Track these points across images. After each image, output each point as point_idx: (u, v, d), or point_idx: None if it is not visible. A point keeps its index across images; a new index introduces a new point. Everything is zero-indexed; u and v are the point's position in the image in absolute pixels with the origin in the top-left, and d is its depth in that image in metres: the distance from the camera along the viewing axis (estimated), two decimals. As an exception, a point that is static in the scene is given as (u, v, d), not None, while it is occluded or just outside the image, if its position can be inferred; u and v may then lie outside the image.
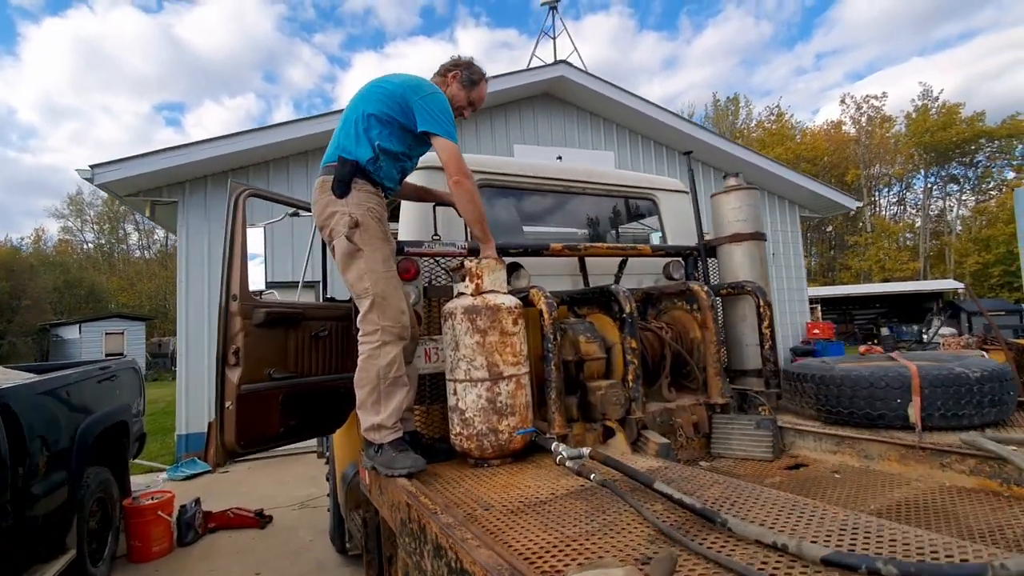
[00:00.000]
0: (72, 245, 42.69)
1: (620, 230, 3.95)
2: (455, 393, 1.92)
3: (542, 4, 9.25)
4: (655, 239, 3.59)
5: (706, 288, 2.51)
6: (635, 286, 2.90)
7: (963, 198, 38.12)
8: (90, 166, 5.79)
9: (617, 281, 2.98)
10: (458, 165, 2.00)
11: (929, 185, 38.55)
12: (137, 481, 5.41)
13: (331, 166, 2.06)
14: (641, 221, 3.88)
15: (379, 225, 2.01)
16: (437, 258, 2.41)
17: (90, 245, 43.11)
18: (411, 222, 2.56)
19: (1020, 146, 35.16)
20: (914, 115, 37.42)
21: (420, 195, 2.50)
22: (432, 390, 2.38)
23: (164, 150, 5.96)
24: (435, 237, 2.43)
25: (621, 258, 2.94)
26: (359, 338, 2.00)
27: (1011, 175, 35.82)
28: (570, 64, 8.18)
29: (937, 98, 37.01)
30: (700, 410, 2.36)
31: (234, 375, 2.65)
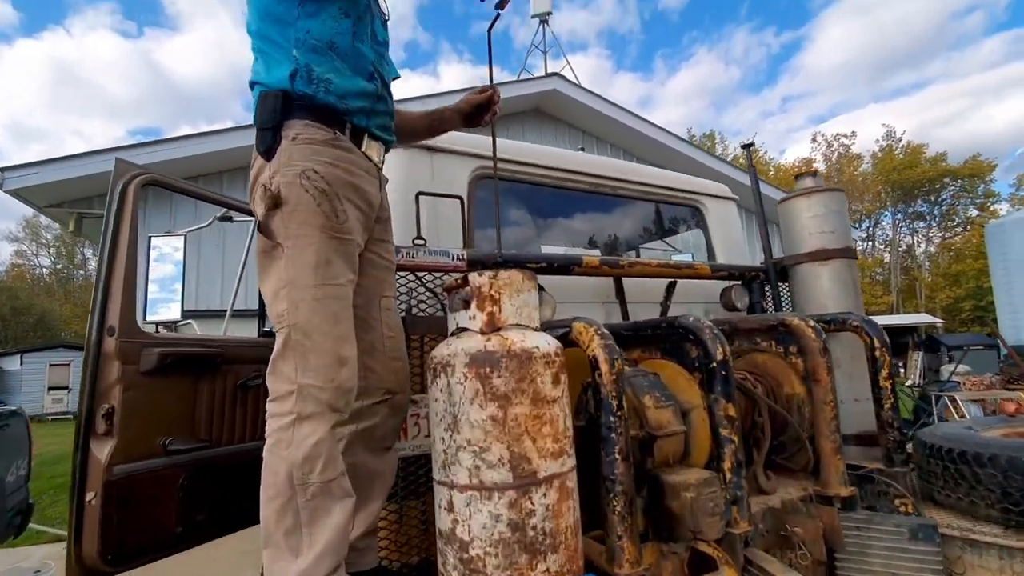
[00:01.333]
0: (25, 270, 40.38)
1: (641, 248, 3.20)
2: (451, 508, 1.08)
3: (532, 16, 8.76)
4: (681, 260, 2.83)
5: (812, 324, 1.73)
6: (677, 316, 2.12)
7: (929, 234, 39.10)
8: (0, 169, 4.82)
9: (664, 312, 2.19)
10: None
11: (897, 221, 39.59)
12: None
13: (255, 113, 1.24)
14: (667, 238, 3.14)
15: (321, 202, 1.17)
16: (421, 273, 1.57)
17: (45, 270, 40.86)
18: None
19: (982, 185, 36.42)
20: (880, 154, 38.56)
21: (433, 128, 1.63)
22: (410, 478, 1.53)
23: (94, 152, 5.00)
24: (418, 241, 1.60)
25: (669, 280, 2.16)
26: (267, 406, 1.16)
27: (975, 212, 36.93)
28: (563, 77, 7.59)
29: (900, 139, 38.31)
30: (830, 513, 1.54)
31: (103, 450, 1.75)
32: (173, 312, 2.45)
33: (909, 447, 1.96)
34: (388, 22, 1.41)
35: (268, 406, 1.17)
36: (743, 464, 1.38)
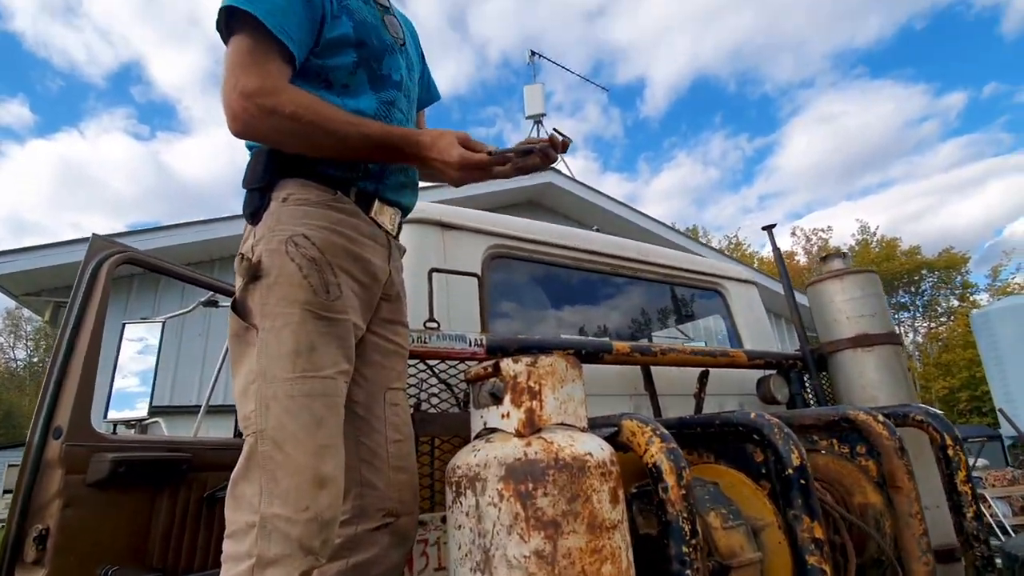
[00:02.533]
0: (-1, 363, 39.10)
1: (655, 336, 3.01)
2: None
3: (527, 117, 9.24)
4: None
5: (882, 418, 1.50)
6: (735, 411, 1.88)
7: (915, 324, 39.68)
8: (-21, 256, 4.66)
9: (699, 403, 1.95)
10: (232, 80, 0.95)
11: (883, 311, 40.24)
12: None
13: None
14: (686, 323, 2.96)
15: (309, 273, 0.95)
16: (434, 361, 1.35)
17: (20, 363, 39.57)
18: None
19: (958, 276, 37.63)
20: (857, 248, 40.12)
21: None
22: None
23: (75, 241, 4.87)
24: (430, 324, 1.39)
25: (702, 369, 1.94)
26: (224, 544, 0.88)
27: (956, 303, 37.81)
28: (558, 171, 7.84)
29: (874, 233, 40.04)
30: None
31: (27, 586, 1.41)
32: (140, 409, 2.17)
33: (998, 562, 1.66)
34: (405, 43, 1.23)
35: (224, 544, 0.89)
36: (841, 604, 1.09)
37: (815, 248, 41.26)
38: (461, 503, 0.87)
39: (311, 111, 0.94)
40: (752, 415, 1.25)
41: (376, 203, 1.10)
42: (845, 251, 2.24)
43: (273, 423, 0.89)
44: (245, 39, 0.96)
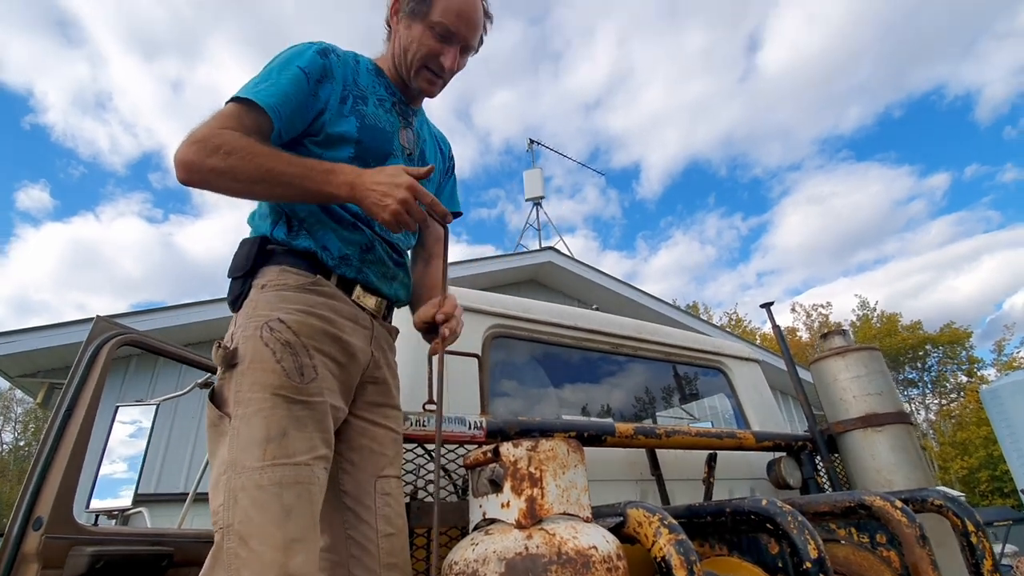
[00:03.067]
0: (-17, 447, 37.79)
1: (659, 417, 2.94)
2: None
3: (527, 200, 9.60)
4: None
5: (900, 505, 1.43)
6: (745, 498, 1.80)
7: (926, 401, 38.75)
8: (-20, 338, 4.65)
9: (708, 488, 1.87)
10: (186, 138, 0.96)
11: (891, 388, 39.49)
12: None
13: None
14: (690, 403, 2.91)
15: (282, 357, 0.94)
16: (431, 446, 1.31)
17: (6, 447, 38.27)
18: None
19: (963, 351, 37.26)
20: (858, 323, 40.09)
21: (416, 294, 1.30)
22: None
23: (75, 322, 4.88)
24: (429, 407, 1.37)
25: (710, 452, 1.88)
26: None
27: (964, 379, 37.16)
28: (557, 250, 8.02)
29: (875, 309, 40.15)
30: None
31: None
32: (124, 498, 2.08)
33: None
34: (416, 156, 1.27)
35: None
36: None
37: (816, 324, 41.24)
38: (458, 603, 0.82)
39: (238, 143, 0.94)
40: (764, 502, 1.19)
41: (358, 288, 1.11)
42: (845, 328, 2.24)
43: (240, 516, 0.84)
44: (228, 106, 1.01)
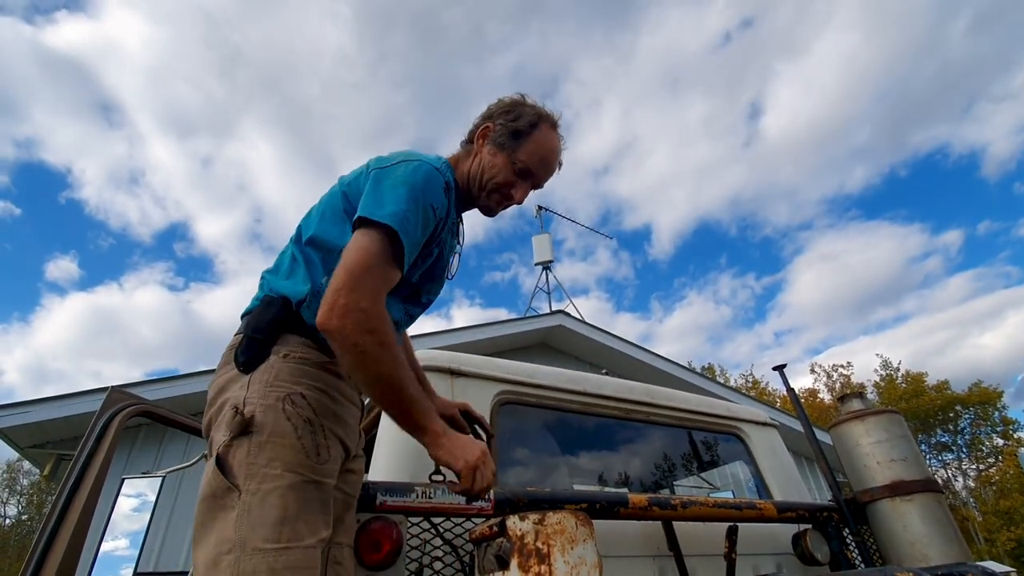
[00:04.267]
0: (-13, 521, 36.90)
1: (676, 486, 2.83)
2: None
3: (536, 264, 9.73)
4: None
5: (935, 581, 1.35)
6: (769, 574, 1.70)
7: (962, 467, 36.74)
8: (-6, 408, 4.67)
9: (731, 565, 1.77)
10: (342, 286, 0.96)
11: (924, 454, 37.73)
12: None
13: (247, 315, 1.13)
14: (708, 471, 2.80)
15: (303, 434, 0.95)
16: (438, 518, 1.27)
17: (8, 521, 37.31)
18: (393, 444, 1.50)
19: (995, 412, 35.67)
20: (882, 384, 38.81)
21: None
22: None
23: (87, 392, 4.89)
24: (436, 478, 1.34)
25: (730, 524, 1.80)
26: None
27: (1000, 441, 35.37)
28: (567, 314, 8.02)
29: (898, 368, 39.04)
30: None
31: None
32: (122, 573, 2.01)
33: None
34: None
35: None
36: None
37: (837, 385, 40.06)
38: None
39: (378, 348, 0.96)
40: (787, 579, 1.13)
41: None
42: (863, 390, 2.19)
43: None
44: (379, 245, 1.00)
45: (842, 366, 41.68)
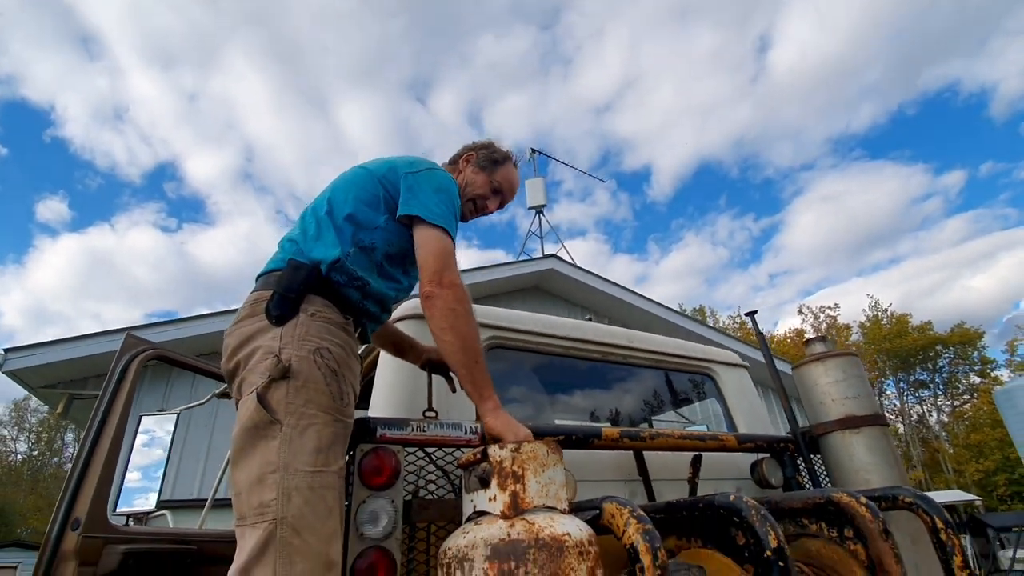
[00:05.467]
0: (0, 457, 38.24)
1: (654, 421, 3.06)
2: None
3: (529, 208, 9.75)
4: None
5: (865, 501, 1.55)
6: (716, 494, 1.91)
7: (938, 403, 38.35)
8: (3, 350, 4.84)
9: (693, 488, 1.99)
10: (441, 267, 1.25)
11: (902, 391, 39.19)
12: None
13: (274, 274, 1.26)
14: (682, 408, 3.02)
15: (331, 382, 1.14)
16: (431, 448, 1.45)
17: (20, 457, 38.69)
18: (391, 386, 1.66)
19: (975, 352, 36.88)
20: (867, 324, 39.79)
21: (400, 348, 1.66)
22: None
23: (96, 334, 5.05)
24: (429, 414, 1.51)
25: (695, 453, 2.00)
26: None
27: (976, 380, 36.77)
28: (559, 258, 8.16)
29: (886, 310, 39.87)
30: None
31: None
32: (148, 502, 2.22)
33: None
34: None
35: None
36: None
37: (823, 326, 41.00)
38: (449, 584, 0.95)
39: (468, 317, 1.25)
40: (732, 497, 1.32)
41: (359, 331, 1.37)
42: (829, 335, 2.36)
43: (294, 512, 0.99)
44: (449, 243, 1.30)
45: (829, 307, 42.53)
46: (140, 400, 5.31)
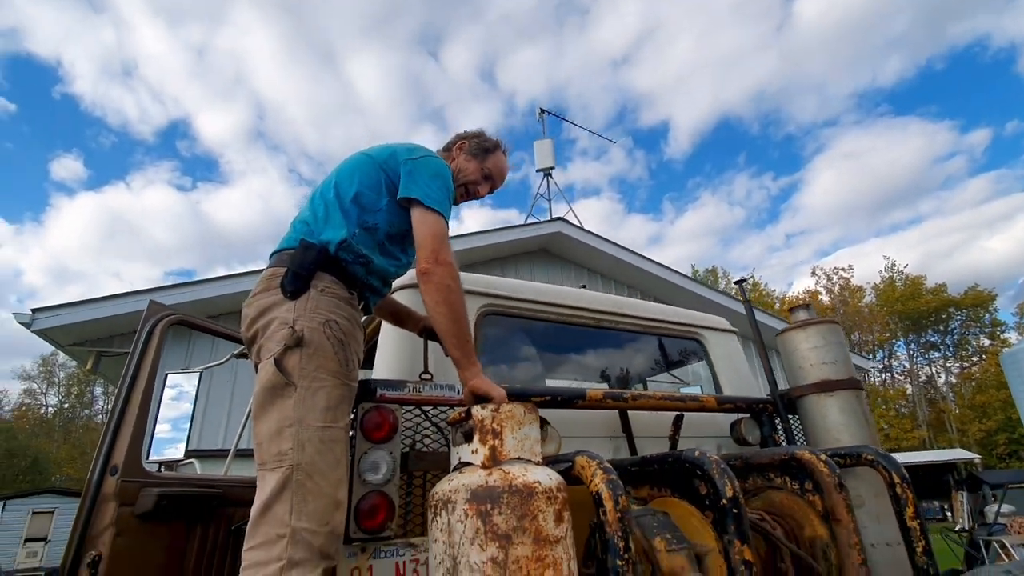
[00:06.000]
0: (31, 410, 40.01)
1: (649, 382, 3.21)
2: (449, 669, 0.99)
3: (537, 170, 9.72)
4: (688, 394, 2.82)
5: (824, 458, 1.69)
6: (684, 450, 2.06)
7: (946, 364, 38.37)
8: (32, 310, 5.09)
9: (674, 444, 2.15)
10: (436, 247, 1.38)
11: (912, 352, 39.16)
12: None
13: (287, 252, 1.40)
14: (673, 371, 3.16)
15: (338, 350, 1.29)
16: (426, 407, 1.60)
17: (51, 410, 40.43)
18: (391, 351, 1.81)
19: (986, 315, 36.59)
20: (881, 286, 39.47)
21: (399, 318, 1.80)
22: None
23: (121, 295, 5.31)
24: (425, 376, 1.66)
25: (676, 413, 2.15)
26: (244, 555, 1.13)
27: (986, 342, 36.62)
28: (566, 221, 8.20)
29: (902, 271, 39.40)
30: None
31: (81, 605, 1.65)
32: (178, 451, 2.43)
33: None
34: None
35: (247, 555, 1.13)
36: (768, 617, 1.27)
37: (837, 287, 40.73)
38: (438, 522, 1.10)
39: (459, 293, 1.38)
40: (696, 453, 1.46)
41: (367, 307, 1.54)
42: (809, 303, 2.45)
43: (307, 459, 1.17)
44: (444, 225, 1.43)
45: (843, 269, 42.11)
46: (165, 358, 5.59)
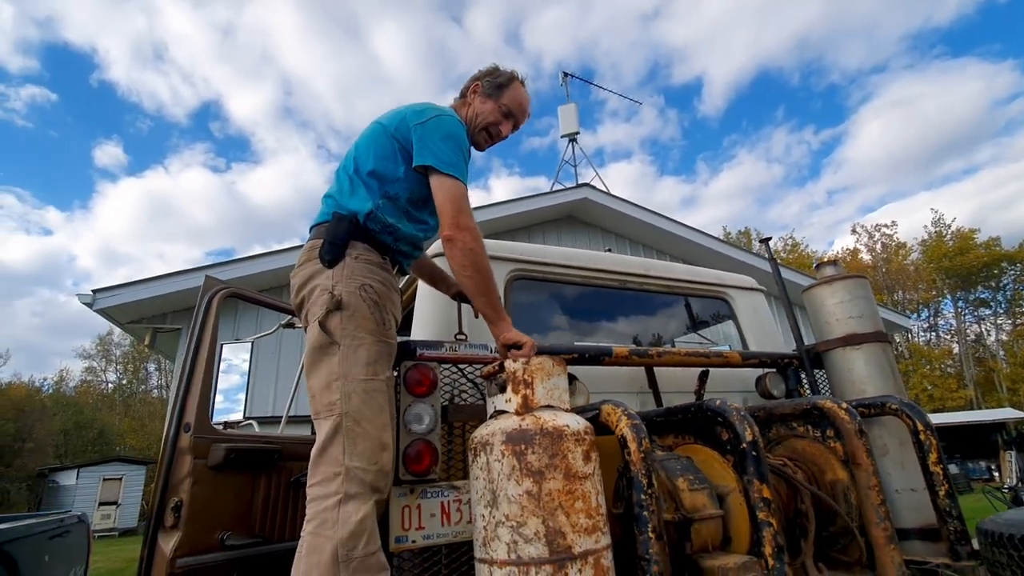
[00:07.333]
0: (93, 386, 42.69)
1: (677, 342, 3.27)
2: (492, 586, 1.13)
3: (562, 136, 9.63)
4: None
5: (845, 406, 1.75)
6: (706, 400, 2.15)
7: (998, 322, 36.75)
8: (92, 291, 5.47)
9: (699, 399, 2.23)
10: (456, 212, 1.44)
11: (960, 310, 37.56)
12: None
13: (323, 225, 1.52)
14: (702, 331, 3.21)
15: (374, 311, 1.42)
16: (462, 365, 1.73)
17: (111, 385, 43.05)
18: (427, 315, 1.93)
19: (1044, 269, 34.66)
20: (929, 242, 37.72)
21: (434, 279, 1.92)
22: (453, 565, 1.56)
23: (172, 274, 5.65)
24: (460, 336, 1.78)
25: (702, 369, 2.22)
26: (308, 491, 1.29)
27: (1043, 298, 34.81)
28: (593, 187, 8.16)
29: (949, 225, 37.52)
30: (889, 607, 1.46)
31: (169, 542, 1.88)
32: (236, 413, 2.66)
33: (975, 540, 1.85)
34: None
35: (310, 491, 1.29)
36: (783, 549, 1.37)
37: (878, 245, 39.18)
38: (478, 462, 1.23)
39: (482, 255, 1.47)
40: (718, 402, 1.55)
41: (397, 269, 1.63)
42: (836, 259, 2.46)
43: (354, 408, 1.32)
44: (462, 187, 1.48)
45: (885, 225, 40.36)
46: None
